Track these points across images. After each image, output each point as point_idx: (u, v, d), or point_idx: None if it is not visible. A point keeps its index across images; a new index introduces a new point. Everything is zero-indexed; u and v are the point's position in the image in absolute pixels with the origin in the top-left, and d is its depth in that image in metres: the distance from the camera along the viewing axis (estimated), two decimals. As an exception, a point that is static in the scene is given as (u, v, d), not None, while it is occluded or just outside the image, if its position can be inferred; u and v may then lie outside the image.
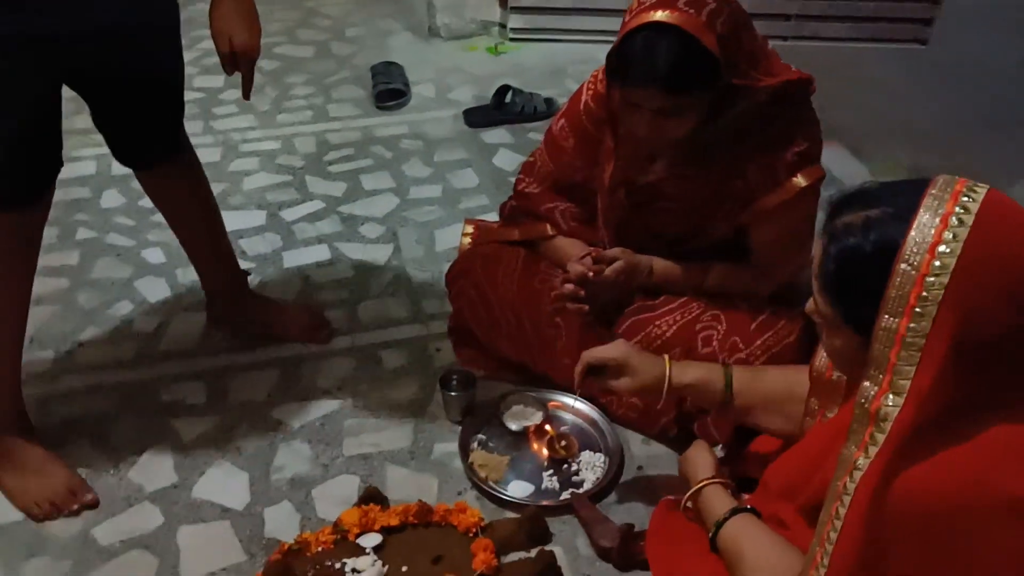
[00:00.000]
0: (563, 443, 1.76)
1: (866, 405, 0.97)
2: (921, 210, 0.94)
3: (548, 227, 1.91)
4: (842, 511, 1.00)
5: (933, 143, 2.78)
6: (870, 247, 0.98)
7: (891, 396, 0.95)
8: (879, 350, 0.96)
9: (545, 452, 1.76)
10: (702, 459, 1.45)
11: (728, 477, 1.45)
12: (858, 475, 0.98)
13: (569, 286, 1.74)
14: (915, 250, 0.92)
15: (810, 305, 1.14)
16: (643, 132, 1.58)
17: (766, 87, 1.55)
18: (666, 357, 1.53)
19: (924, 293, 0.91)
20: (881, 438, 0.95)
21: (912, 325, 0.92)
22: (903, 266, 0.93)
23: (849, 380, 1.25)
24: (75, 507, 1.66)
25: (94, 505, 1.67)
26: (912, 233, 0.93)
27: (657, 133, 1.57)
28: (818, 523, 1.07)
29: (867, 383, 0.97)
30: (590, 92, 1.79)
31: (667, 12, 1.46)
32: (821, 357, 1.31)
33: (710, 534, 1.35)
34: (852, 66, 3.30)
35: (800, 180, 1.64)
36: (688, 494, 1.43)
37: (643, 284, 1.79)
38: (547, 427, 1.79)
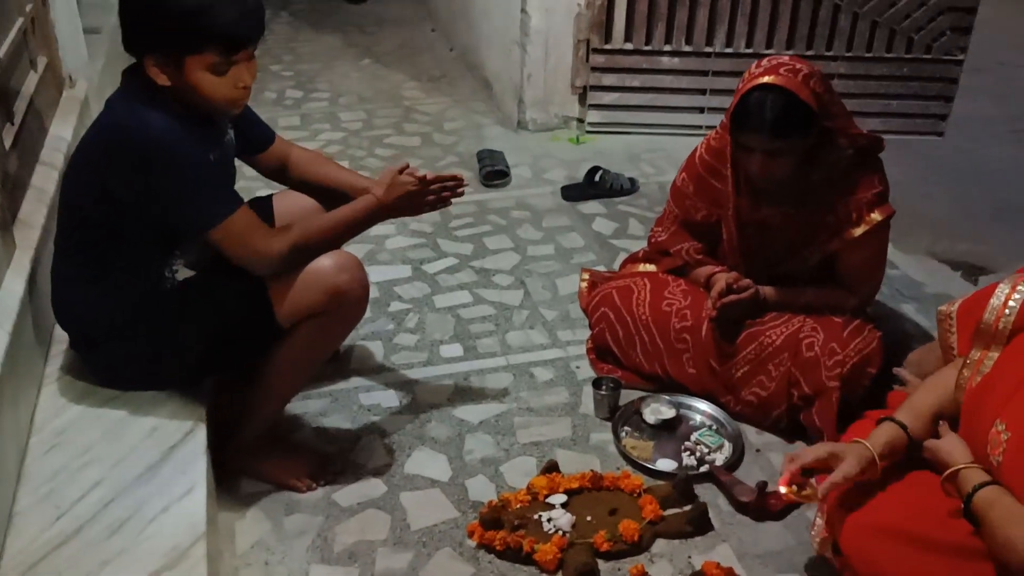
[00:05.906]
0: (794, 487, 1.67)
1: None
2: None
3: (677, 261, 2.41)
4: None
5: (946, 232, 3.25)
6: None
7: None
8: None
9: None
10: (958, 448, 1.60)
11: None
12: None
13: (722, 285, 2.19)
14: None
15: None
16: (755, 170, 2.10)
17: (852, 142, 2.09)
18: (862, 440, 1.65)
19: None
20: None
21: None
22: None
23: None
24: (315, 487, 2.08)
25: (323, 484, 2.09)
26: None
27: (766, 171, 2.09)
28: None
29: None
30: (703, 147, 2.32)
31: (772, 76, 2.02)
32: (988, 311, 1.60)
33: (963, 502, 1.52)
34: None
35: (876, 215, 2.15)
36: (946, 473, 1.58)
37: (757, 305, 2.26)
38: (782, 489, 1.68)
